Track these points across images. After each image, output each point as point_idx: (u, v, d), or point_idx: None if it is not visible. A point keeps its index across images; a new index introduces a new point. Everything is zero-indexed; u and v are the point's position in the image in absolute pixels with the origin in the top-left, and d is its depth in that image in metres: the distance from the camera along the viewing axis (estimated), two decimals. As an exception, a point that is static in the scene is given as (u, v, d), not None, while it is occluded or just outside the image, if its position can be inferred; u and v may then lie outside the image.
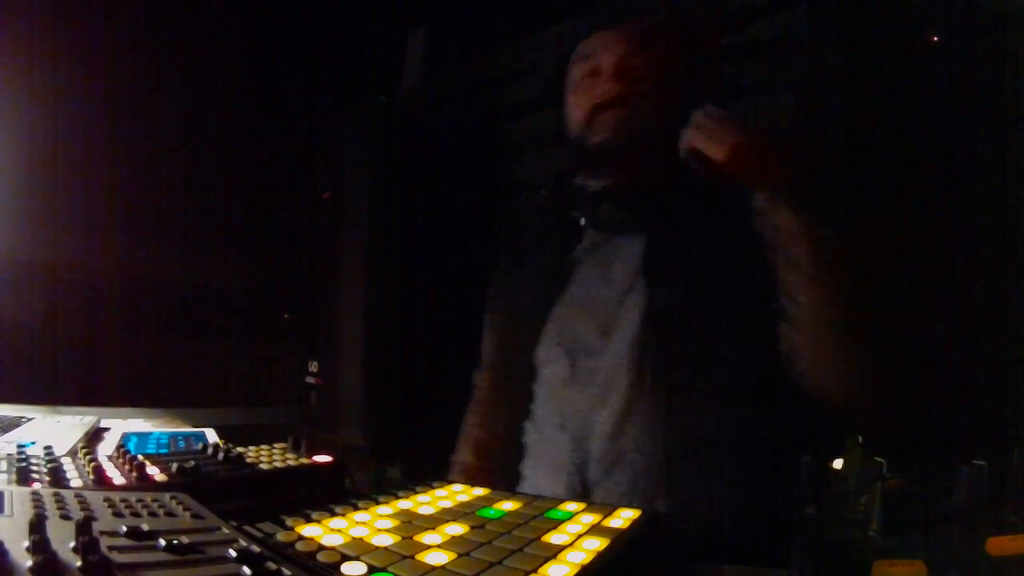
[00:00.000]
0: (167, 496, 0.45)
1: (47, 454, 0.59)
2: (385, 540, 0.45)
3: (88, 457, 0.58)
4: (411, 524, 0.49)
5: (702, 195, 0.80)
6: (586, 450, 0.77)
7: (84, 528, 0.32)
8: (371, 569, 0.40)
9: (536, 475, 0.83)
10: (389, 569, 0.40)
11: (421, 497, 0.58)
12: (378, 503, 0.55)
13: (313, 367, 1.52)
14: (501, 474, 0.88)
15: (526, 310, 0.88)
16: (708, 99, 0.81)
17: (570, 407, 0.80)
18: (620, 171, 0.85)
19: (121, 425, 1.02)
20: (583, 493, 0.76)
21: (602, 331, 0.79)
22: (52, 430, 0.83)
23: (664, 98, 0.82)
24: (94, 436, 0.89)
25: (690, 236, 0.80)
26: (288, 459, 0.66)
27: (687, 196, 0.82)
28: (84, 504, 0.40)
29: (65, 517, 0.37)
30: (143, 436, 0.89)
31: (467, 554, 0.43)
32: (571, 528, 0.49)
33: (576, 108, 0.86)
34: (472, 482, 0.63)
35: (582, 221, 0.88)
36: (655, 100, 0.82)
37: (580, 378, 0.80)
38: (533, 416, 0.86)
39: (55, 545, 0.30)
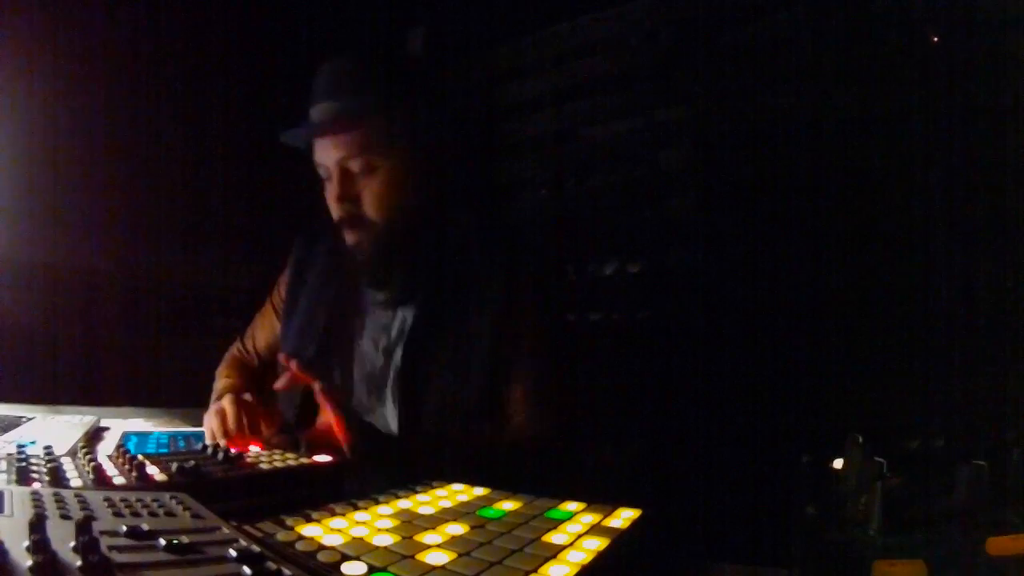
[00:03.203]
0: (167, 496, 0.45)
1: (47, 454, 0.59)
2: (385, 540, 0.45)
3: (88, 457, 0.58)
4: (411, 524, 0.49)
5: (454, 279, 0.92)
6: None
7: (84, 528, 0.32)
8: (371, 569, 0.40)
9: None
10: (389, 569, 0.40)
11: (421, 497, 0.58)
12: (378, 503, 0.55)
13: (313, 367, 1.51)
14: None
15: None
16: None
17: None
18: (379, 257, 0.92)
19: (121, 425, 1.02)
20: None
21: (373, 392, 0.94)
22: (52, 430, 0.83)
23: (393, 200, 0.89)
24: (94, 436, 0.89)
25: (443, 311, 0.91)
26: (288, 459, 0.66)
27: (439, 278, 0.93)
28: (84, 504, 0.40)
29: (65, 517, 0.37)
30: (143, 436, 0.89)
31: (467, 554, 0.43)
32: (571, 528, 0.49)
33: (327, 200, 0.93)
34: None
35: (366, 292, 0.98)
36: (382, 201, 0.88)
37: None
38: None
39: (55, 545, 0.30)
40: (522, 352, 0.88)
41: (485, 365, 0.86)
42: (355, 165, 0.86)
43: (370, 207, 0.88)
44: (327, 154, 0.88)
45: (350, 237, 0.90)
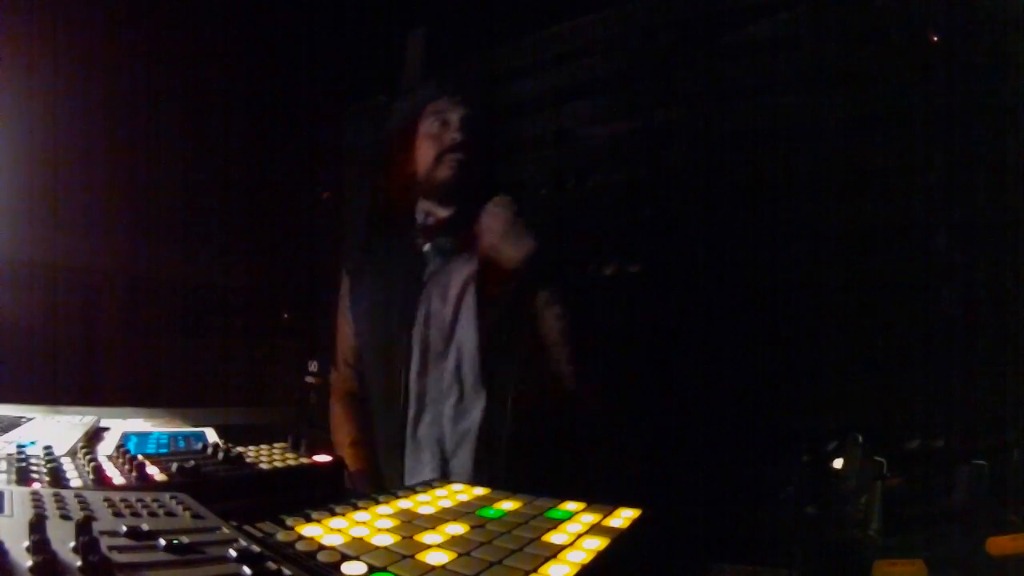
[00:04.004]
0: (167, 496, 0.45)
1: (47, 454, 0.59)
2: (385, 540, 0.45)
3: (88, 457, 0.58)
4: (411, 524, 0.49)
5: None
6: (441, 427, 0.98)
7: (84, 528, 0.32)
8: (371, 569, 0.40)
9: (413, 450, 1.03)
10: (389, 569, 0.40)
11: (421, 497, 0.58)
12: (378, 503, 0.55)
13: (313, 367, 1.51)
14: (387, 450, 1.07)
15: (394, 328, 1.08)
16: None
17: (427, 398, 1.02)
18: (458, 204, 1.07)
19: (121, 425, 1.02)
20: (441, 461, 0.98)
21: (444, 339, 1.00)
22: (52, 430, 0.83)
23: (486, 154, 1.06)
24: (94, 436, 0.89)
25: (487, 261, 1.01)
26: (288, 459, 0.66)
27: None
28: (84, 504, 0.40)
29: (65, 517, 0.37)
30: (143, 436, 0.89)
31: (467, 554, 0.43)
32: (571, 528, 0.49)
33: (426, 152, 1.09)
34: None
35: (426, 248, 1.09)
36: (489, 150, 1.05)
37: (432, 377, 1.01)
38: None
39: (55, 545, 0.30)
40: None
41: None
42: None
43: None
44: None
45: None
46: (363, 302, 1.19)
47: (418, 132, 1.13)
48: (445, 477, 0.83)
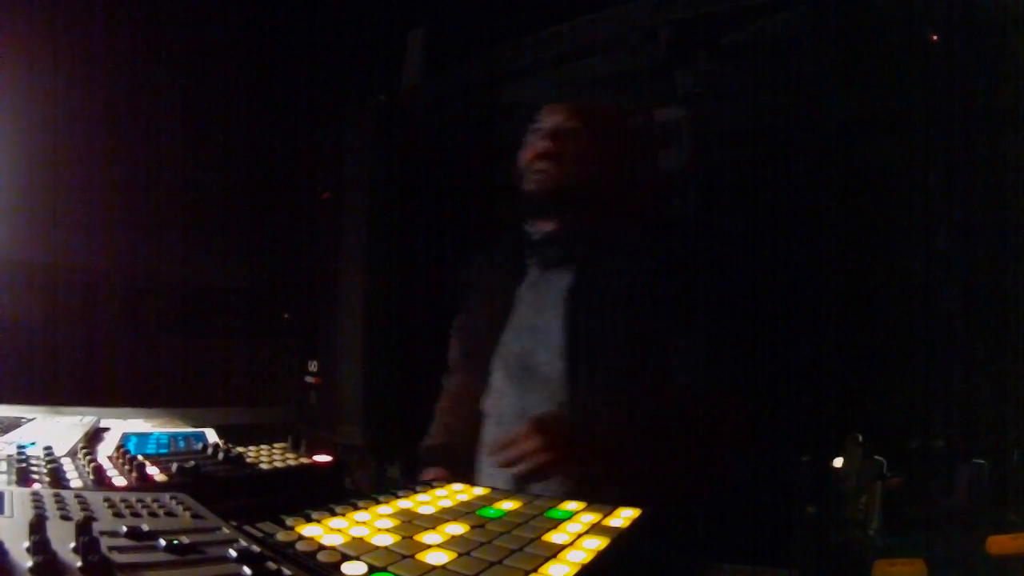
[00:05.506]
0: (167, 496, 0.45)
1: (47, 455, 0.59)
2: (385, 540, 0.45)
3: (88, 457, 0.58)
4: (411, 524, 0.49)
5: (623, 238, 0.99)
6: None
7: (84, 528, 0.32)
8: (371, 569, 0.40)
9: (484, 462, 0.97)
10: (389, 569, 0.40)
11: (421, 497, 0.58)
12: (378, 503, 0.55)
13: (313, 367, 1.51)
14: (462, 458, 1.01)
15: (482, 332, 1.04)
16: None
17: (508, 408, 0.96)
18: (556, 217, 1.00)
19: (121, 425, 1.02)
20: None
21: (533, 352, 0.95)
22: (52, 430, 0.83)
23: (589, 160, 0.98)
24: (94, 436, 0.89)
25: (611, 272, 0.95)
26: (288, 459, 0.66)
27: (609, 239, 0.99)
28: (84, 504, 0.40)
29: (65, 517, 0.37)
30: (143, 436, 0.89)
31: (467, 554, 0.43)
32: (571, 527, 0.49)
33: (521, 160, 1.03)
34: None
35: (530, 262, 1.03)
36: (581, 160, 0.98)
37: (517, 386, 0.95)
38: (486, 413, 1.01)
39: (55, 545, 0.30)
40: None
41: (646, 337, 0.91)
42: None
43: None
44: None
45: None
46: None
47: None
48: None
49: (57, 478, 0.51)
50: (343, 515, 0.50)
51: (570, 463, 0.81)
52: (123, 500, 0.42)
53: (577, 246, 0.97)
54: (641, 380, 0.90)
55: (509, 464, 0.81)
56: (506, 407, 0.96)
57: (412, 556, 0.42)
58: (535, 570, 0.41)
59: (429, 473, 0.96)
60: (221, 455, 0.65)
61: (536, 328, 0.95)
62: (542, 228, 1.00)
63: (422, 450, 1.06)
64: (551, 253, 0.99)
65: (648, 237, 1.01)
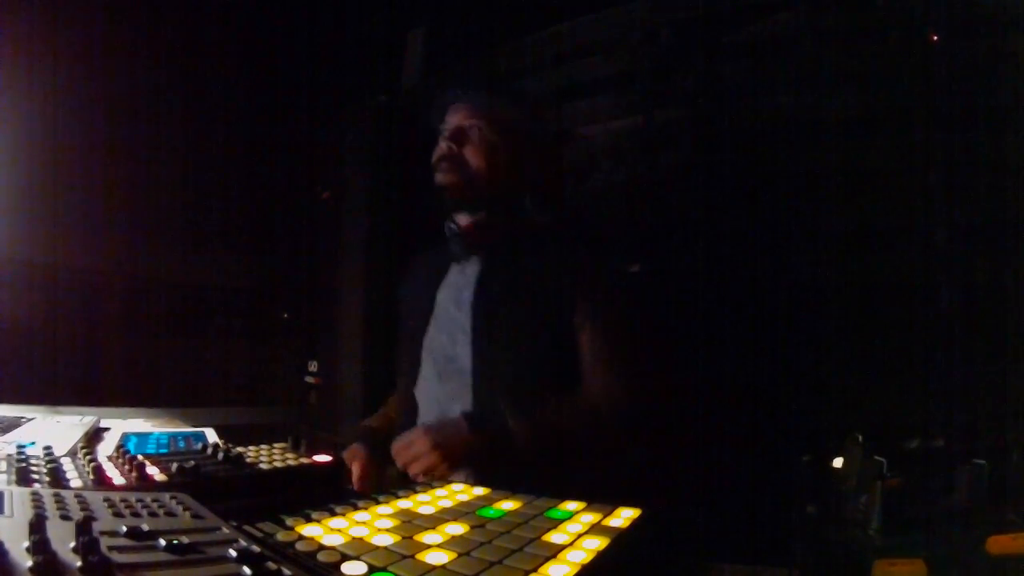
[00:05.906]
0: (167, 496, 0.45)
1: (47, 454, 0.59)
2: (385, 540, 0.45)
3: (88, 457, 0.58)
4: (411, 524, 0.49)
5: (528, 235, 1.03)
6: None
7: (84, 528, 0.32)
8: (371, 569, 0.40)
9: None
10: (389, 569, 0.40)
11: (421, 497, 0.58)
12: (378, 503, 0.55)
13: (313, 367, 1.51)
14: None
15: (418, 328, 1.08)
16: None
17: (431, 397, 1.01)
18: (464, 213, 1.04)
19: (121, 425, 1.02)
20: None
21: (453, 343, 1.00)
22: (52, 430, 0.83)
23: (486, 157, 1.01)
24: (94, 436, 0.89)
25: (514, 268, 1.00)
26: (288, 459, 0.66)
27: (513, 234, 1.03)
28: (84, 504, 0.40)
29: (65, 517, 0.37)
30: (143, 436, 0.89)
31: (467, 554, 0.43)
32: (571, 527, 0.49)
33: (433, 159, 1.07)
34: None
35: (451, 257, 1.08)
36: (478, 158, 1.01)
37: (440, 377, 1.01)
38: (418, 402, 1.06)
39: (55, 545, 0.30)
40: (594, 315, 0.95)
41: (553, 321, 0.94)
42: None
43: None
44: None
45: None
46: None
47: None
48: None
49: (57, 478, 0.51)
50: (343, 515, 0.50)
51: (466, 463, 0.86)
52: (123, 500, 0.42)
53: (483, 240, 1.02)
54: (551, 372, 0.93)
55: (404, 467, 0.87)
56: (431, 396, 1.01)
57: (412, 556, 0.42)
58: (535, 570, 0.41)
59: (348, 451, 1.00)
60: (221, 455, 0.65)
61: (454, 320, 1.00)
62: (452, 225, 1.05)
63: (358, 428, 1.12)
64: (459, 247, 1.05)
65: (553, 231, 1.05)
